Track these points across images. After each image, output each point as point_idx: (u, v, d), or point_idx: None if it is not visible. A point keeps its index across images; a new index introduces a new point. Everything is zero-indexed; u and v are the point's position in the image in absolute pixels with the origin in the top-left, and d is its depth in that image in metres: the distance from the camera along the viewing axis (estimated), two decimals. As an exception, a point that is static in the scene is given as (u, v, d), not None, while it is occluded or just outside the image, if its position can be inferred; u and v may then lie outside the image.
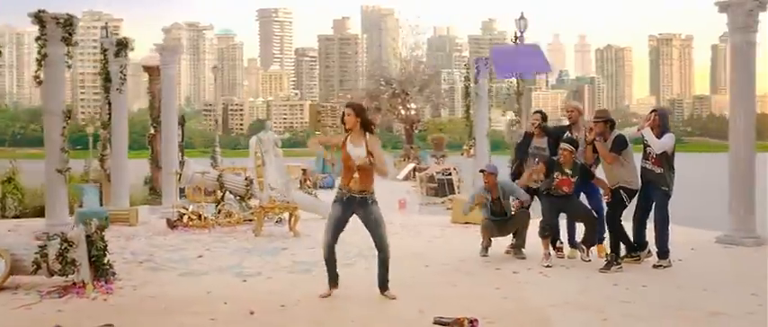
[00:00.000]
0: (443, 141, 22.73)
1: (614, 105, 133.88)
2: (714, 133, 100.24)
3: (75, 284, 5.68)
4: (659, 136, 6.39)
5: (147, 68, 12.62)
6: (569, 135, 6.94)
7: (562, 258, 7.09)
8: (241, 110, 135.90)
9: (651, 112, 6.67)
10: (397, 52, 20.30)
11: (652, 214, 6.66)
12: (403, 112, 22.93)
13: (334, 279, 5.44)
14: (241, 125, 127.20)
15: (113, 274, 5.95)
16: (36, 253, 5.80)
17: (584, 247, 7.02)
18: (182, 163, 10.22)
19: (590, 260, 6.87)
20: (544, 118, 7.54)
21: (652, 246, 6.72)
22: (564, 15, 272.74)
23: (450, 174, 14.48)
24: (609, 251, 6.64)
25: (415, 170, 20.00)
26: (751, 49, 8.07)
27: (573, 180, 6.73)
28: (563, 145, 6.73)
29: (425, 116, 22.04)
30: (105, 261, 5.90)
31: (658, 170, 6.50)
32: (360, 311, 5.04)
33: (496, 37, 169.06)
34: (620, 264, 6.42)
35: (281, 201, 8.87)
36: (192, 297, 5.41)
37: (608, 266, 6.42)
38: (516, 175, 7.54)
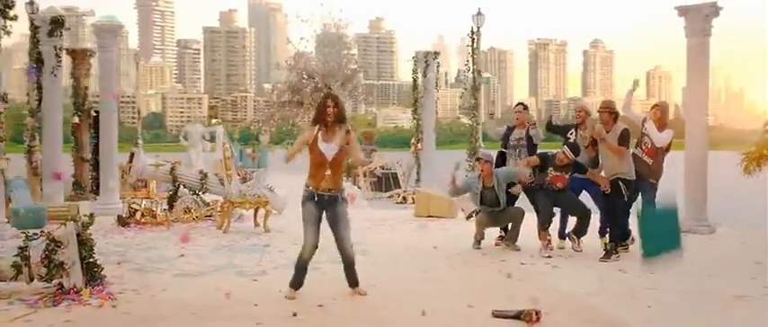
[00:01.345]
0: (374, 135, 22.64)
1: (504, 105, 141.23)
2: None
3: (61, 289, 5.00)
4: (660, 130, 6.71)
5: (72, 51, 11.41)
6: (573, 137, 7.08)
7: (551, 249, 7.23)
8: (133, 102, 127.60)
9: (653, 107, 7.00)
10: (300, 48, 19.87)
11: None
12: None
13: (300, 283, 5.05)
14: (133, 118, 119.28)
15: (104, 277, 5.31)
16: (16, 256, 5.05)
17: (575, 237, 7.21)
18: (131, 155, 9.34)
19: (581, 251, 7.07)
20: (525, 107, 7.72)
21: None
22: (449, 17, 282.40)
23: (393, 168, 14.46)
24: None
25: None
26: (705, 51, 8.70)
27: (567, 176, 6.91)
28: (564, 149, 6.86)
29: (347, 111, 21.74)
30: (97, 263, 5.24)
31: (650, 161, 6.83)
32: (399, 308, 4.82)
33: (384, 36, 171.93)
34: (618, 254, 6.67)
35: (253, 196, 8.36)
36: (212, 300, 4.92)
37: (607, 255, 6.63)
38: (498, 166, 7.62)
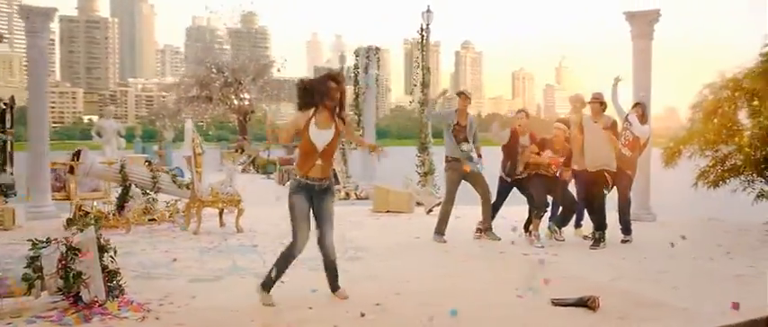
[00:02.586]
0: None
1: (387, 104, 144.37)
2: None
3: (77, 303, 4.44)
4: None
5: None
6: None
7: (538, 238, 7.49)
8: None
9: (635, 105, 7.52)
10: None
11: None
12: (236, 102, 21.46)
13: (273, 284, 4.66)
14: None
15: (123, 287, 4.78)
16: (26, 267, 4.41)
17: (556, 228, 7.55)
18: (77, 152, 8.42)
19: (563, 240, 7.43)
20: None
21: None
22: (322, 15, 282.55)
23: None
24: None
25: (254, 160, 19.15)
26: (649, 53, 9.47)
27: (561, 160, 7.22)
28: (556, 124, 7.19)
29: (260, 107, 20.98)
30: (119, 271, 4.72)
31: (629, 153, 7.35)
32: (457, 302, 4.78)
33: (258, 30, 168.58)
34: (604, 241, 7.09)
35: (225, 194, 7.89)
36: (255, 306, 4.60)
37: (597, 243, 7.04)
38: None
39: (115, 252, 4.68)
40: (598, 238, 7.08)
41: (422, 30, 11.38)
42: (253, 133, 21.62)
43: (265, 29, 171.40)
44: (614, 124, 7.25)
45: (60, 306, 4.44)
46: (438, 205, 9.74)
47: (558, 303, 4.66)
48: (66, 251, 4.45)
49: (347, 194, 12.60)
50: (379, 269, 5.90)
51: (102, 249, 4.62)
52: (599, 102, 7.16)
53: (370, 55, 12.46)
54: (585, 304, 4.53)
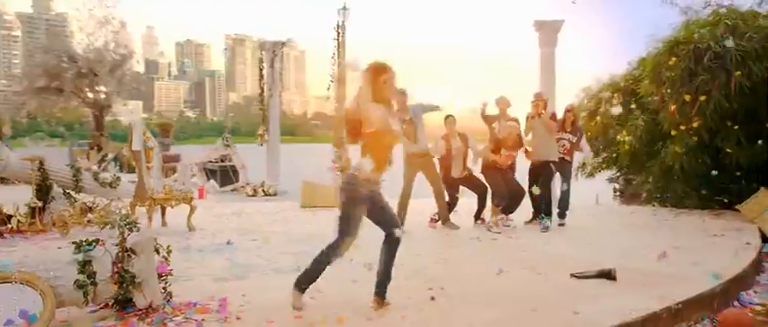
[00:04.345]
0: (172, 127, 20.20)
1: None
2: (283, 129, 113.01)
3: (124, 309, 4.09)
4: (574, 128, 8.23)
5: None
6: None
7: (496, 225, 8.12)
8: None
9: (569, 110, 8.44)
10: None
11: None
12: (91, 96, 19.06)
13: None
14: None
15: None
16: (80, 273, 3.93)
17: (504, 215, 8.24)
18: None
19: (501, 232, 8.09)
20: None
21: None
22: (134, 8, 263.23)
23: (224, 161, 13.51)
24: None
25: (116, 158, 17.47)
26: (553, 59, 10.63)
27: (515, 154, 7.93)
28: (510, 123, 7.86)
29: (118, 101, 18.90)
30: (172, 273, 4.39)
31: (568, 159, 8.31)
32: (480, 291, 5.16)
33: (54, 18, 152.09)
34: (550, 225, 7.92)
35: (179, 192, 7.40)
36: (321, 303, 4.56)
37: (546, 228, 7.84)
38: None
39: (169, 253, 4.34)
40: (548, 222, 7.90)
41: (338, 27, 11.51)
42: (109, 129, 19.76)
43: (64, 15, 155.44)
44: (554, 115, 8.14)
45: (108, 315, 4.04)
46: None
47: (579, 276, 5.24)
48: (121, 254, 4.06)
49: (254, 191, 12.29)
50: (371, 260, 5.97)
51: (155, 250, 4.27)
52: (544, 102, 8.03)
53: (277, 49, 12.25)
54: (607, 275, 5.17)
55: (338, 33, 11.52)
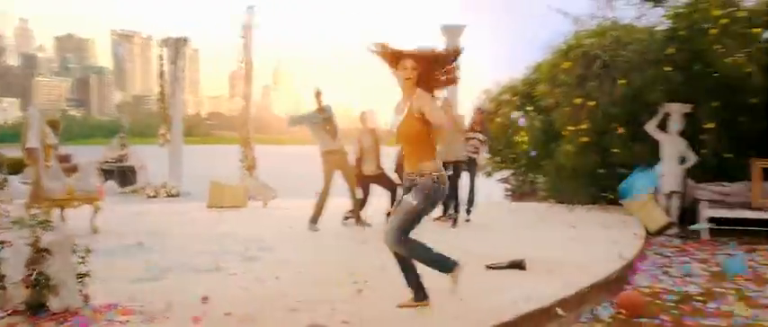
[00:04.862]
0: (59, 124, 18.47)
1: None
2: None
3: (36, 314, 3.88)
4: (481, 126, 8.65)
5: None
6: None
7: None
8: None
9: (479, 111, 8.82)
10: None
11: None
12: None
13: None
14: None
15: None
16: (-11, 274, 3.69)
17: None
18: None
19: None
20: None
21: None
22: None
23: (122, 161, 12.77)
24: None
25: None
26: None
27: None
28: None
29: None
30: (88, 274, 4.19)
31: (476, 156, 8.70)
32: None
33: None
34: (458, 219, 8.28)
35: (81, 191, 7.01)
36: (235, 294, 4.55)
37: (455, 223, 8.19)
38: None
39: (88, 253, 4.15)
40: (455, 219, 8.25)
41: (244, 27, 11.32)
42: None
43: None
44: (461, 117, 8.55)
45: (18, 321, 3.82)
46: (274, 198, 10.03)
47: (492, 267, 5.57)
48: (34, 255, 3.85)
49: (156, 192, 11.83)
50: (306, 258, 6.06)
51: (73, 251, 4.08)
52: (448, 104, 8.41)
53: (179, 46, 11.85)
54: (518, 265, 5.53)
55: (245, 33, 11.35)
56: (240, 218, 8.98)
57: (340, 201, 8.30)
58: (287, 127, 8.14)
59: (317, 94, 7.96)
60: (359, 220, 8.14)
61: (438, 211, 8.71)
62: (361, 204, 8.25)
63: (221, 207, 9.97)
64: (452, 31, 10.82)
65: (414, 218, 3.92)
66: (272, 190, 10.46)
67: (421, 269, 4.26)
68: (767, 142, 8.90)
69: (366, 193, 8.38)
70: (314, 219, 7.81)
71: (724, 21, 8.77)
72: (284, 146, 62.50)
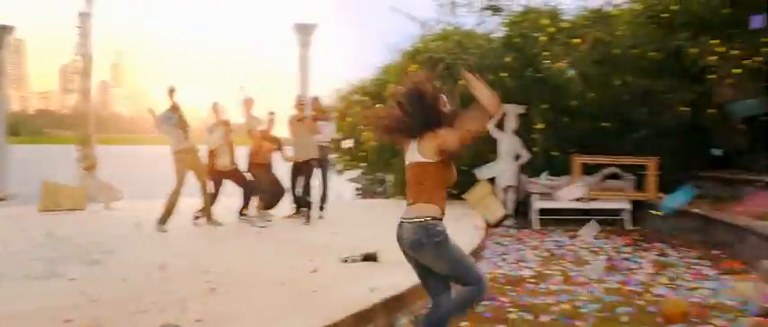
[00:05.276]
0: None
1: None
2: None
3: None
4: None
5: None
6: None
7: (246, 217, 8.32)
8: None
9: (315, 101, 8.91)
10: None
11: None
12: None
13: None
14: None
15: None
16: None
17: (266, 211, 8.48)
18: None
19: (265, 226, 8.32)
20: None
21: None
22: None
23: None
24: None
25: None
26: (308, 59, 11.18)
27: (274, 148, 8.30)
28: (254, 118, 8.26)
29: None
30: None
31: (330, 146, 8.83)
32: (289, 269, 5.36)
33: None
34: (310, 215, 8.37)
35: None
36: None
37: (308, 219, 8.26)
38: None
39: None
40: (307, 216, 8.32)
41: (82, 15, 10.46)
42: None
43: None
44: (315, 117, 8.61)
45: None
46: (119, 199, 9.50)
47: (348, 260, 5.72)
48: None
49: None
50: (156, 259, 5.80)
51: None
52: (303, 104, 8.48)
53: (2, 35, 10.68)
54: (371, 258, 5.73)
55: (82, 21, 10.51)
56: (79, 221, 8.36)
57: (191, 201, 8.02)
58: (155, 128, 7.73)
59: (171, 91, 7.65)
60: (210, 219, 7.94)
61: (290, 209, 8.75)
62: (211, 199, 8.04)
63: (56, 209, 9.18)
64: (304, 29, 10.91)
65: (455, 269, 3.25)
66: (117, 191, 9.84)
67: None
68: (586, 140, 9.98)
69: (217, 188, 8.18)
70: (163, 220, 7.49)
71: (551, 29, 9.72)
72: (133, 147, 58.83)
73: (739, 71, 8.27)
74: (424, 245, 3.13)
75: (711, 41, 8.82)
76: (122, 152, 43.27)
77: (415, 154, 3.21)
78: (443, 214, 3.22)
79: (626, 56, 9.68)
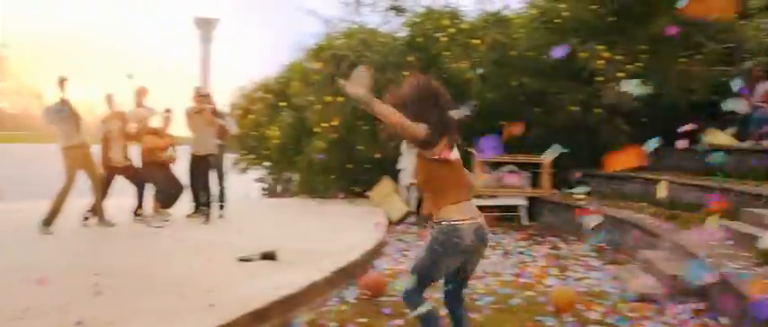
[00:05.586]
0: None
1: None
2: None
3: None
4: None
5: None
6: None
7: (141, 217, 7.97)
8: None
9: (207, 96, 8.60)
10: None
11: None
12: None
13: None
14: None
15: None
16: None
17: (165, 210, 8.13)
18: None
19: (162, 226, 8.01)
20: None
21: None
22: None
23: None
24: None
25: None
26: (210, 53, 10.82)
27: (171, 143, 8.00)
28: (140, 110, 7.92)
29: None
30: None
31: (223, 144, 8.59)
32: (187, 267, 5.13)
33: None
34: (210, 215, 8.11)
35: None
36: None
37: (208, 219, 7.99)
38: None
39: None
40: (207, 214, 8.05)
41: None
42: None
43: None
44: (214, 111, 8.34)
45: None
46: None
47: (244, 259, 5.57)
48: None
49: None
50: (36, 263, 5.42)
51: None
52: (202, 96, 8.17)
53: None
54: (270, 256, 5.61)
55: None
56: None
57: (80, 201, 7.54)
58: (44, 122, 7.17)
59: (62, 82, 7.13)
60: (102, 219, 7.49)
61: (189, 208, 8.44)
62: (102, 194, 7.56)
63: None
64: (205, 23, 10.57)
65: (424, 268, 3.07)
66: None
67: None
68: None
69: (108, 184, 7.72)
70: (47, 221, 6.98)
71: (451, 30, 9.97)
72: (15, 145, 54.72)
73: (623, 75, 8.82)
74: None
75: (598, 46, 9.37)
76: (8, 151, 40.18)
77: (455, 151, 3.21)
78: None
79: (522, 58, 10.10)
